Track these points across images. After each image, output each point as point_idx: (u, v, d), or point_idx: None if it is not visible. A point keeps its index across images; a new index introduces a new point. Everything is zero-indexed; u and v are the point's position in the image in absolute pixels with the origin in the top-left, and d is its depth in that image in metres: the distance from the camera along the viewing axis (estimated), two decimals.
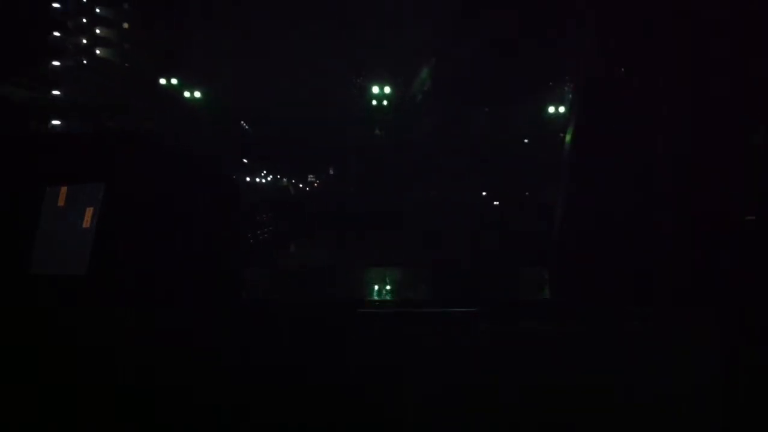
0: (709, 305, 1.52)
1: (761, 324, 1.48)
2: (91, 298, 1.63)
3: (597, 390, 1.44)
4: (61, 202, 1.79)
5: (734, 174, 1.67)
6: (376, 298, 1.89)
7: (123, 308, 1.57)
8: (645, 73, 1.81)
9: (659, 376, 1.44)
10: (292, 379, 1.48)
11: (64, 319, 1.57)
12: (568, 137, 1.95)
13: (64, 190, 1.80)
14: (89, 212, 1.73)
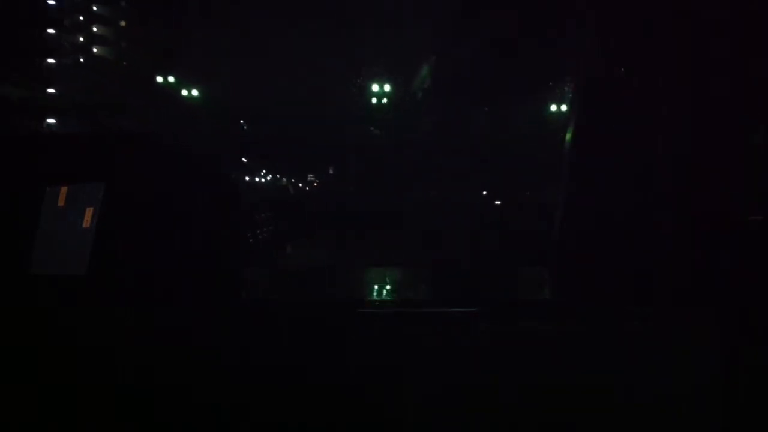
0: (709, 305, 1.52)
1: (761, 324, 1.48)
2: (91, 298, 1.63)
3: (597, 390, 1.44)
4: (61, 202, 1.79)
5: (734, 174, 1.67)
6: (376, 298, 1.89)
7: (123, 308, 1.57)
8: (645, 73, 1.81)
9: (659, 376, 1.44)
10: (292, 379, 1.48)
11: (64, 319, 1.57)
12: (568, 137, 1.95)
13: (64, 190, 1.80)
14: (89, 212, 1.73)
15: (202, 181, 2.14)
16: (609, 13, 1.86)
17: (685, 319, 1.48)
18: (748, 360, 1.46)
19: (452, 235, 7.06)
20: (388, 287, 2.13)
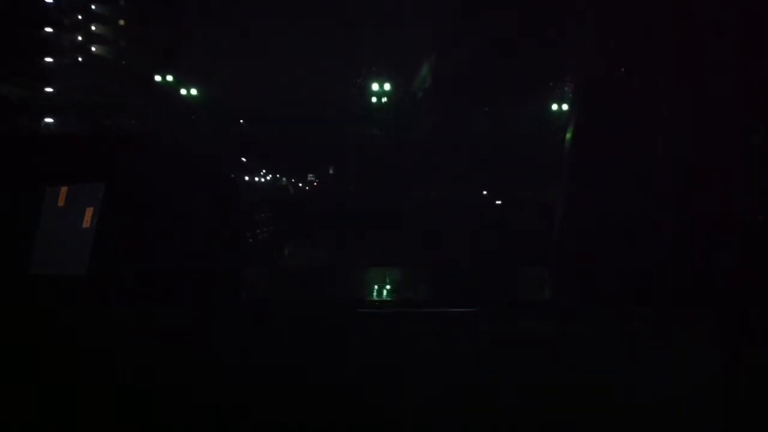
0: (709, 305, 1.52)
1: (761, 324, 1.48)
2: (91, 298, 1.63)
3: (597, 390, 1.44)
4: (61, 202, 1.79)
5: (734, 174, 1.67)
6: (376, 298, 1.89)
7: (123, 308, 1.57)
8: (645, 73, 1.81)
9: (659, 376, 1.44)
10: (292, 379, 1.48)
11: (64, 319, 1.57)
12: (568, 137, 1.95)
13: (64, 190, 1.80)
14: (89, 212, 1.73)
15: (202, 181, 2.14)
16: (609, 13, 1.86)
17: (685, 319, 1.48)
18: (748, 360, 1.46)
19: (452, 235, 7.05)
20: (388, 287, 2.13)
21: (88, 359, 1.50)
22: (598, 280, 1.73)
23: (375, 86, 14.13)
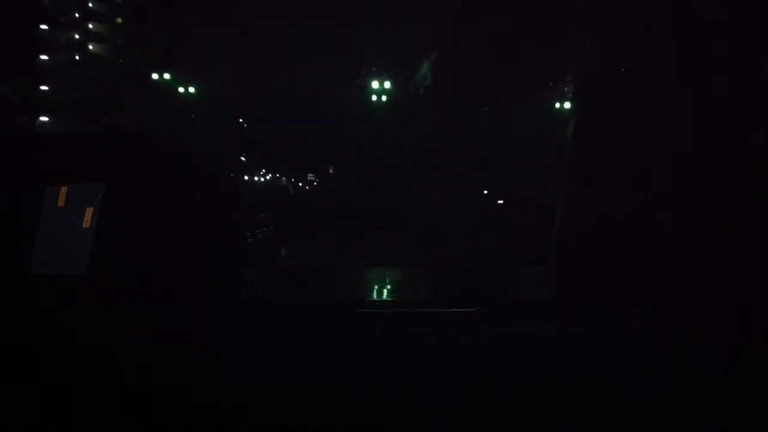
0: (709, 305, 1.52)
1: (761, 324, 1.48)
2: (91, 298, 1.63)
3: (597, 390, 1.44)
4: (61, 202, 1.79)
5: (734, 174, 1.67)
6: (376, 298, 1.89)
7: (123, 308, 1.57)
8: (645, 73, 1.81)
9: (659, 376, 1.44)
10: (292, 379, 1.48)
11: (64, 319, 1.57)
12: (568, 137, 1.95)
13: (64, 190, 1.80)
14: (89, 212, 1.73)
15: (202, 180, 2.14)
16: (609, 13, 1.86)
17: (685, 319, 1.49)
18: (748, 360, 1.46)
19: (452, 235, 7.06)
20: (388, 287, 2.13)
21: (88, 359, 1.50)
22: (598, 280, 1.73)
23: (375, 84, 14.10)
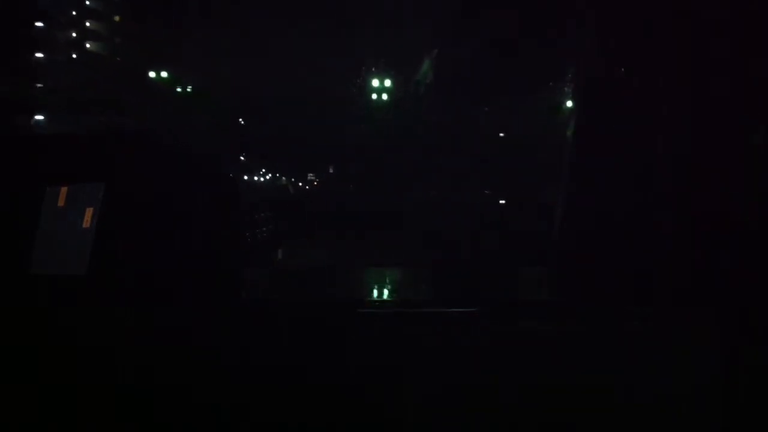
0: (709, 305, 1.52)
1: (761, 324, 1.48)
2: (91, 298, 1.63)
3: (597, 390, 1.44)
4: (61, 202, 1.79)
5: (734, 174, 1.67)
6: (376, 298, 1.89)
7: (123, 308, 1.57)
8: (645, 73, 1.81)
9: (659, 376, 1.44)
10: (292, 379, 1.48)
11: (64, 319, 1.57)
12: (568, 137, 1.95)
13: (64, 190, 1.80)
14: (89, 212, 1.73)
15: (202, 180, 2.14)
16: (609, 13, 1.86)
17: (685, 319, 1.49)
18: (748, 360, 1.46)
19: (452, 235, 7.05)
20: (388, 287, 2.13)
21: (88, 359, 1.50)
22: (598, 280, 1.73)
23: (375, 82, 14.05)
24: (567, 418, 1.44)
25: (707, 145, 1.69)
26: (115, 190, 1.73)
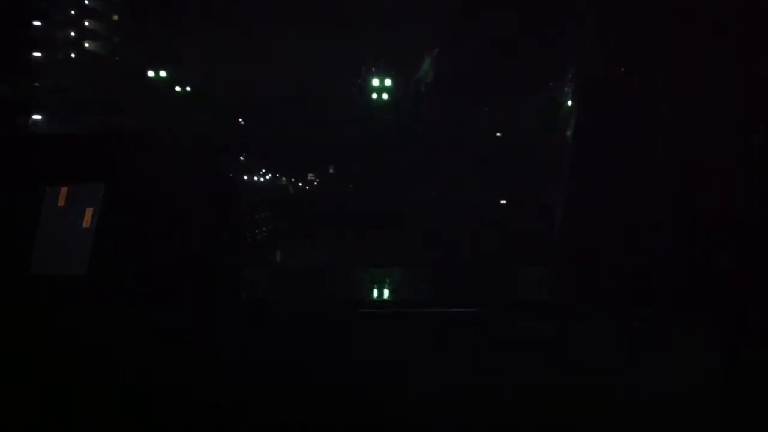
0: (709, 305, 1.52)
1: (761, 324, 1.48)
2: (91, 298, 1.63)
3: (597, 390, 1.44)
4: (61, 202, 1.80)
5: (734, 174, 1.67)
6: (376, 298, 1.89)
7: (123, 308, 1.57)
8: (645, 73, 1.81)
9: (659, 376, 1.44)
10: (292, 379, 1.48)
11: (64, 319, 1.57)
12: (568, 137, 1.95)
13: (64, 190, 1.80)
14: (89, 212, 1.73)
15: (202, 180, 2.14)
16: (609, 13, 1.86)
17: (685, 319, 1.49)
18: (748, 360, 1.46)
19: (452, 235, 7.05)
20: (388, 287, 2.13)
21: (88, 359, 1.50)
22: (598, 280, 1.73)
23: (375, 81, 14.02)
24: (567, 418, 1.44)
25: (707, 145, 1.69)
26: (115, 190, 1.73)
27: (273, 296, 2.08)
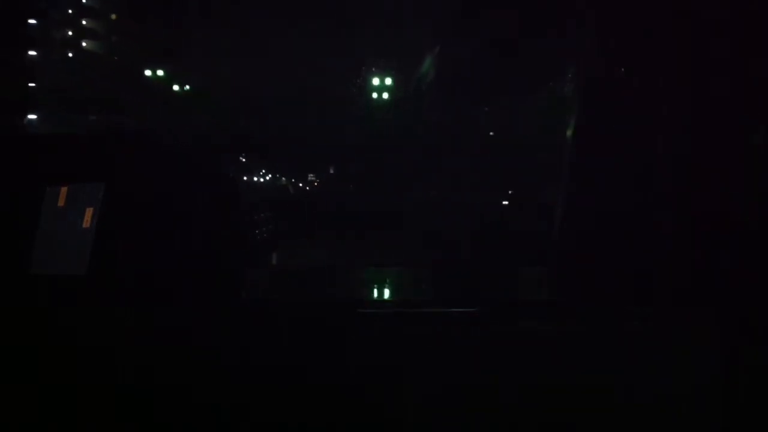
0: (709, 305, 1.52)
1: (761, 324, 1.48)
2: (91, 298, 1.63)
3: (597, 390, 1.44)
4: (61, 202, 1.80)
5: (734, 174, 1.67)
6: (376, 298, 1.89)
7: (123, 308, 1.57)
8: (645, 73, 1.81)
9: (659, 376, 1.44)
10: (292, 379, 1.48)
11: (64, 319, 1.57)
12: (568, 137, 1.95)
13: (64, 190, 1.80)
14: (89, 212, 1.73)
15: (202, 180, 2.14)
16: (609, 13, 1.86)
17: (685, 319, 1.48)
18: (748, 360, 1.46)
19: (452, 235, 7.05)
20: (388, 287, 2.13)
21: (88, 359, 1.50)
22: (598, 280, 1.73)
23: (376, 81, 13.99)
24: (567, 418, 1.44)
25: (707, 145, 1.69)
26: (115, 190, 1.73)
27: (273, 296, 2.08)
